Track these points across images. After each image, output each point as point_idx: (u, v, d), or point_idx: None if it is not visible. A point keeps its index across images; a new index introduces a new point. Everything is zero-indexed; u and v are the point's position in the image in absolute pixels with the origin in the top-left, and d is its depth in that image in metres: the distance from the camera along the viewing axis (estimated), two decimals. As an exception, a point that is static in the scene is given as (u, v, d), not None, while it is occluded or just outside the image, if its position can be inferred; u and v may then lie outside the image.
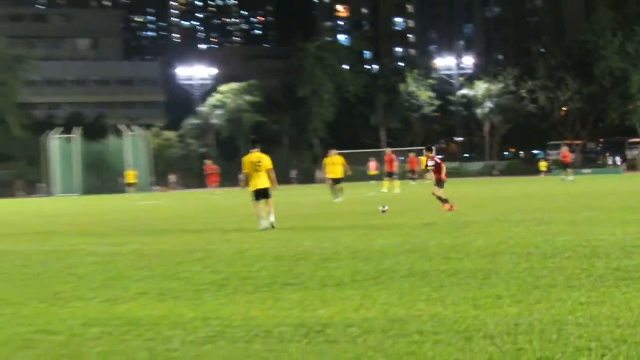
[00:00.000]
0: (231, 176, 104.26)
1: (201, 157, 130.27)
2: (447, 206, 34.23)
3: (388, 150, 69.92)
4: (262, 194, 29.16)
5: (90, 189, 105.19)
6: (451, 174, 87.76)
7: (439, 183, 35.47)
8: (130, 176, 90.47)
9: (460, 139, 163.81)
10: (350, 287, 14.01)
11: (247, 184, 30.59)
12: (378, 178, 79.95)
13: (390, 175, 63.75)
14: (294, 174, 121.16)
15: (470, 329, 9.87)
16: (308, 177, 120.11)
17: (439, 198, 35.36)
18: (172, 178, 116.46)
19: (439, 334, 9.78)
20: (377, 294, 12.95)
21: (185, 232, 29.82)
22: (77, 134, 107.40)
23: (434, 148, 41.47)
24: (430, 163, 36.85)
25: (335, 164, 48.49)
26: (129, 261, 19.70)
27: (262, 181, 29.19)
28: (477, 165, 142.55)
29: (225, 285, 14.84)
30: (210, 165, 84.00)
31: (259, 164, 29.30)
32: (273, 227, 28.17)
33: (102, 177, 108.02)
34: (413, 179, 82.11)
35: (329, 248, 21.01)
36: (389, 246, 21.03)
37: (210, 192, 79.38)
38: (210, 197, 72.11)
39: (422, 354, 8.88)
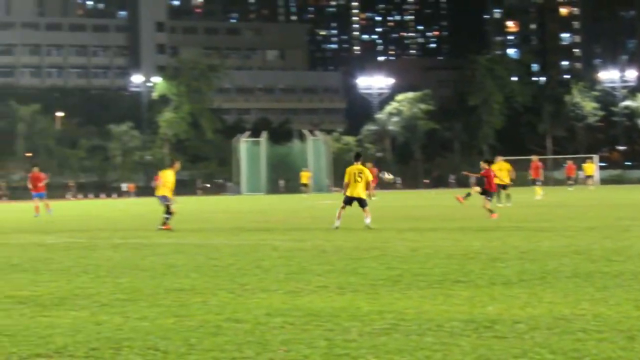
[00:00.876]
0: (407, 180, 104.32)
1: (377, 161, 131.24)
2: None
3: (534, 158, 68.63)
4: (353, 201, 30.28)
5: (274, 189, 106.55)
6: (613, 180, 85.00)
7: (486, 193, 35.26)
8: (304, 177, 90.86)
9: (623, 147, 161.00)
10: (517, 285, 13.77)
11: (345, 190, 31.00)
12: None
13: (534, 181, 62.61)
14: (452, 177, 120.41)
15: (632, 329, 9.58)
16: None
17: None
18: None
19: (602, 332, 9.51)
20: (543, 293, 12.69)
21: (361, 230, 29.81)
22: (264, 138, 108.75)
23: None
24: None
25: (501, 170, 48.00)
26: (310, 256, 19.75)
27: (357, 190, 30.27)
28: (639, 173, 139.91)
29: (399, 280, 14.75)
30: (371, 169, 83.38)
31: (360, 175, 30.30)
32: (369, 228, 28.92)
33: (285, 178, 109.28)
34: (570, 185, 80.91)
35: (496, 248, 20.76)
36: (554, 247, 20.67)
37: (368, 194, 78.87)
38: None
39: (586, 350, 8.64)
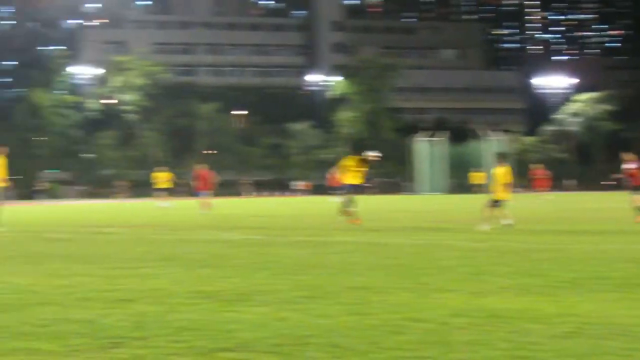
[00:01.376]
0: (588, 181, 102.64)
1: (560, 162, 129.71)
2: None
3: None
4: (500, 203, 30.62)
5: (454, 188, 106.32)
6: None
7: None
8: (476, 177, 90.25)
9: None
10: None
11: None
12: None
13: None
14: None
15: None
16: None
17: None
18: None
19: None
20: None
21: (536, 231, 29.57)
22: (442, 137, 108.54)
23: None
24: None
25: None
26: (488, 256, 19.67)
27: (505, 194, 30.72)
28: None
29: (580, 283, 14.60)
30: (536, 170, 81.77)
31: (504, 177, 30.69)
32: (512, 226, 29.73)
33: (464, 177, 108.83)
34: None
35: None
36: None
37: (537, 196, 77.95)
38: (539, 200, 71.06)
39: None
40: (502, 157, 33.13)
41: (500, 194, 30.88)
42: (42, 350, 9.63)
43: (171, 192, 61.82)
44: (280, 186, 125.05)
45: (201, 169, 44.28)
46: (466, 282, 15.05)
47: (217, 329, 10.65)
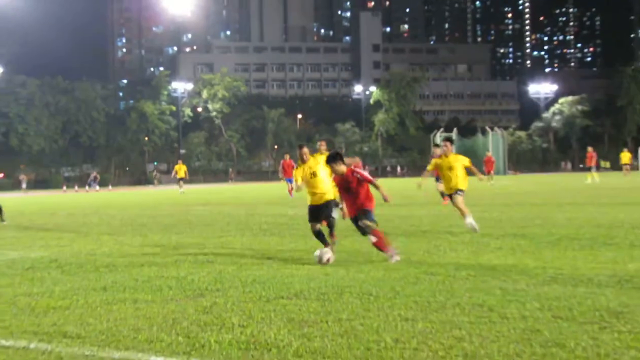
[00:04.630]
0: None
1: (543, 151, 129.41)
2: None
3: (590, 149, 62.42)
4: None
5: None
6: None
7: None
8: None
9: None
10: (653, 248, 13.52)
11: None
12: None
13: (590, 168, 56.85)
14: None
15: None
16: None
17: None
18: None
19: None
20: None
21: (528, 204, 29.36)
22: (454, 133, 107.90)
23: None
24: None
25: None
26: (489, 224, 19.61)
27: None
28: None
29: (558, 243, 14.63)
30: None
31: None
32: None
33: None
34: None
35: (638, 219, 20.20)
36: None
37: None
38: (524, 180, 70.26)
39: None
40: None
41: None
42: (143, 299, 9.79)
43: (185, 181, 61.68)
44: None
45: (286, 159, 43.55)
46: (470, 244, 15.12)
47: (278, 282, 10.78)
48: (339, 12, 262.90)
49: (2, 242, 19.36)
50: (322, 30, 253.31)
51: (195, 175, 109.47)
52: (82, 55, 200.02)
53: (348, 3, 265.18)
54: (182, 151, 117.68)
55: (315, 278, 11.05)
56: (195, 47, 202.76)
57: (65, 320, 8.60)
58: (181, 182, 59.49)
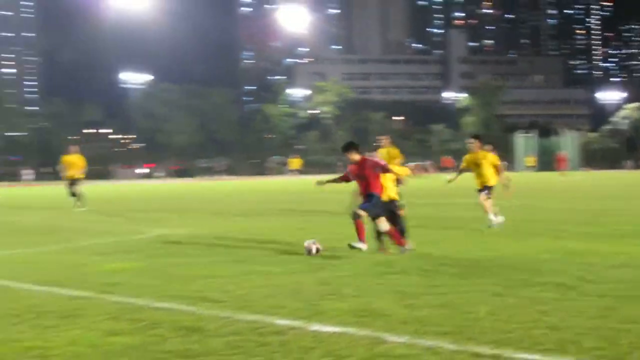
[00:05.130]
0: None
1: (612, 150, 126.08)
2: None
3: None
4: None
5: (541, 168, 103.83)
6: None
7: None
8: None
9: None
10: None
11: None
12: None
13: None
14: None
15: None
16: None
17: None
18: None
19: None
20: None
21: (601, 197, 28.59)
22: (534, 134, 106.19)
23: None
24: None
25: None
26: (570, 214, 19.17)
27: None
28: None
29: (631, 234, 14.13)
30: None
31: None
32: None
33: (549, 160, 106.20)
34: None
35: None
36: None
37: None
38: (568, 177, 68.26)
39: None
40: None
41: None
42: (273, 271, 9.88)
43: (300, 171, 62.06)
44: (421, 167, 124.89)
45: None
46: (552, 230, 14.77)
47: (385, 259, 10.78)
48: (431, 29, 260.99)
49: (159, 221, 19.86)
50: (416, 44, 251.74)
51: (310, 167, 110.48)
52: (214, 65, 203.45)
53: (439, 21, 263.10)
54: (299, 147, 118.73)
55: (418, 257, 10.98)
56: (309, 59, 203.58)
57: (208, 287, 8.75)
58: (295, 173, 60.05)
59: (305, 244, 11.59)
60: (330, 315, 7.13)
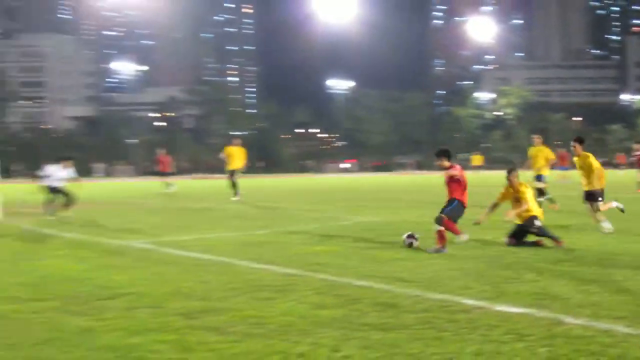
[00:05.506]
0: None
1: None
2: None
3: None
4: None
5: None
6: None
7: None
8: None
9: None
10: None
11: None
12: None
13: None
14: None
15: None
16: None
17: None
18: None
19: None
20: None
21: None
22: None
23: None
24: None
25: None
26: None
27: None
28: None
29: None
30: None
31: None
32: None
33: None
34: None
35: None
36: None
37: None
38: None
39: None
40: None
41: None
42: (456, 256, 9.81)
43: (482, 167, 60.78)
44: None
45: (562, 152, 39.12)
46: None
47: (560, 249, 10.41)
48: (609, 36, 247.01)
49: (358, 210, 20.18)
50: (595, 50, 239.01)
51: (494, 163, 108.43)
52: (409, 72, 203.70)
53: (617, 28, 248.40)
54: (484, 145, 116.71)
55: (593, 248, 10.54)
56: (494, 66, 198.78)
57: (400, 269, 8.82)
58: (477, 169, 59.04)
59: (404, 237, 10.91)
60: (513, 297, 7.00)
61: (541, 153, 18.91)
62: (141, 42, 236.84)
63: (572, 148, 13.50)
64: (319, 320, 6.08)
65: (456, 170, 10.95)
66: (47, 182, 17.90)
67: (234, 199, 24.63)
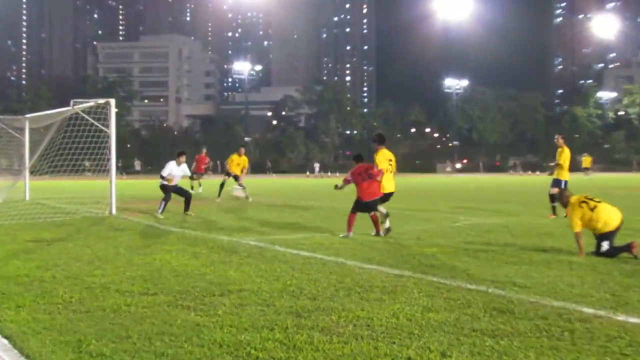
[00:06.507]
0: None
1: None
2: None
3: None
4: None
5: None
6: None
7: None
8: None
9: None
10: None
11: None
12: None
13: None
14: None
15: None
16: None
17: None
18: None
19: None
20: None
21: None
22: None
23: None
24: None
25: None
26: None
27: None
28: None
29: None
30: None
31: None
32: None
33: None
34: None
35: None
36: None
37: None
38: None
39: None
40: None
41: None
42: (574, 262, 9.44)
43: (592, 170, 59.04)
44: None
45: None
46: None
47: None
48: None
49: (473, 211, 19.84)
50: None
51: (616, 164, 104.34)
52: (527, 71, 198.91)
53: None
54: (605, 146, 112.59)
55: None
56: (617, 64, 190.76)
57: (515, 273, 8.57)
58: (588, 171, 57.37)
59: None
60: (637, 306, 6.66)
61: (563, 153, 18.06)
62: (259, 43, 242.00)
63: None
64: (429, 324, 5.99)
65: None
66: (165, 181, 18.24)
67: (217, 200, 25.22)
